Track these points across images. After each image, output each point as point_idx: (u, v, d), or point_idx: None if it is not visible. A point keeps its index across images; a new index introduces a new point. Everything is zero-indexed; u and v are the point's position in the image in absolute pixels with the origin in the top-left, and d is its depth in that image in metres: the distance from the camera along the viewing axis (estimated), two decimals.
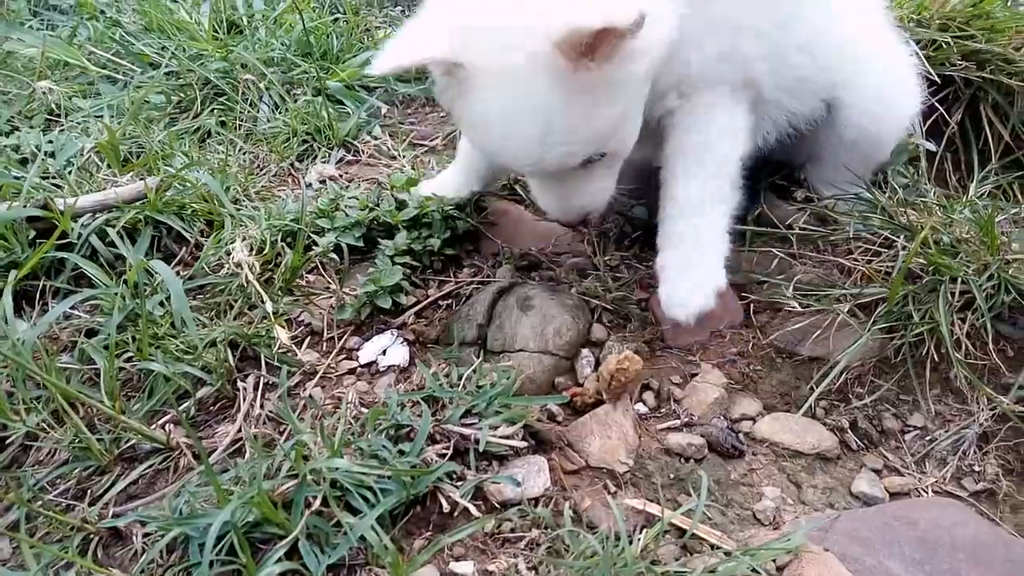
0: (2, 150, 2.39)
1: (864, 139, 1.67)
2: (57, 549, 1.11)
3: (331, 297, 1.63)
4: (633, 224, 1.84)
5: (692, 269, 1.51)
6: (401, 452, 1.17)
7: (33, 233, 1.69)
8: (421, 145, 2.38)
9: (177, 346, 1.43)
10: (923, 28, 1.83)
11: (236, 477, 1.16)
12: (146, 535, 1.15)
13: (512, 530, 1.12)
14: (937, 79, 1.83)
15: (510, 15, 1.28)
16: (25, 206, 1.70)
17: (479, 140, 1.44)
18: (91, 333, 1.53)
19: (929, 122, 1.85)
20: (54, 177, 2.07)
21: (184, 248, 1.75)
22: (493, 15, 1.31)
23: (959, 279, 1.39)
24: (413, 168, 2.19)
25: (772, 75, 1.49)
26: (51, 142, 2.33)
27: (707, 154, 1.49)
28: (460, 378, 1.34)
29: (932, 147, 1.66)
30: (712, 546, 1.12)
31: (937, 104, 1.81)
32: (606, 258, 1.77)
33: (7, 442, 1.32)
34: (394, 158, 2.29)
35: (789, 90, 1.56)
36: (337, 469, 1.09)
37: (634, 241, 1.85)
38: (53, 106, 2.69)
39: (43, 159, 2.15)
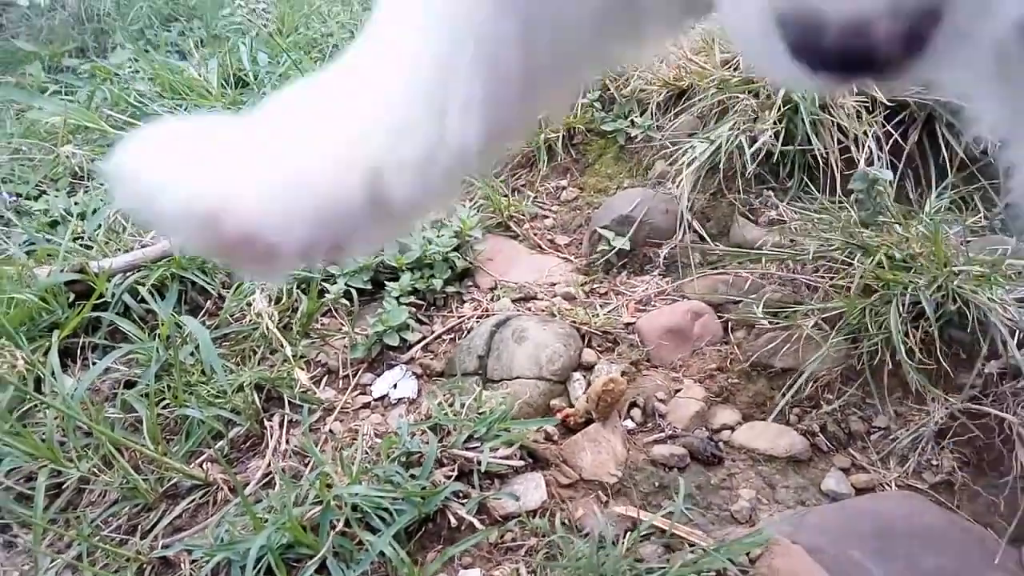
0: (34, 214, 2.58)
1: None
2: None
3: (344, 338, 1.79)
4: (619, 253, 1.99)
5: None
6: (412, 476, 1.32)
7: (72, 295, 1.86)
8: None
9: (208, 391, 1.59)
10: None
11: (269, 506, 1.31)
12: (193, 562, 1.30)
13: (513, 539, 1.27)
14: (893, 105, 1.98)
15: None
16: (63, 271, 1.88)
17: None
18: (130, 384, 1.70)
19: (890, 143, 2.00)
20: (86, 239, 2.25)
21: (208, 300, 1.91)
22: None
23: (910, 291, 1.53)
24: None
25: None
26: (77, 204, 2.52)
27: None
28: (463, 406, 1.49)
29: (888, 176, 1.79)
30: (691, 544, 1.26)
31: (894, 127, 1.95)
32: (595, 286, 1.92)
33: (63, 486, 1.48)
34: None
35: None
36: (356, 494, 1.24)
37: (621, 269, 2.00)
38: (77, 169, 2.88)
39: (74, 222, 2.33)
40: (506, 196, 2.28)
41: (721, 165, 2.01)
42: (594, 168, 2.37)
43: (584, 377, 1.65)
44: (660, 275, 1.96)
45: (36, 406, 1.61)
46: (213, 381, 1.60)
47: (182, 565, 1.30)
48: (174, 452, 1.49)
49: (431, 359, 1.77)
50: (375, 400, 1.66)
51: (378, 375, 1.72)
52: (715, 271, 1.88)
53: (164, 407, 1.59)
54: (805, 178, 2.01)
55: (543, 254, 2.11)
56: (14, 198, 2.73)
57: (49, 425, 1.49)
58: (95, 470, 1.47)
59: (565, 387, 1.64)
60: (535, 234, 2.20)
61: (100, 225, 2.32)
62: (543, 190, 2.39)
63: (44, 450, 1.44)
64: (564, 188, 2.41)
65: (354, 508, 1.25)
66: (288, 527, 1.20)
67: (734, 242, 1.92)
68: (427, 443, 1.37)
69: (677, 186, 1.98)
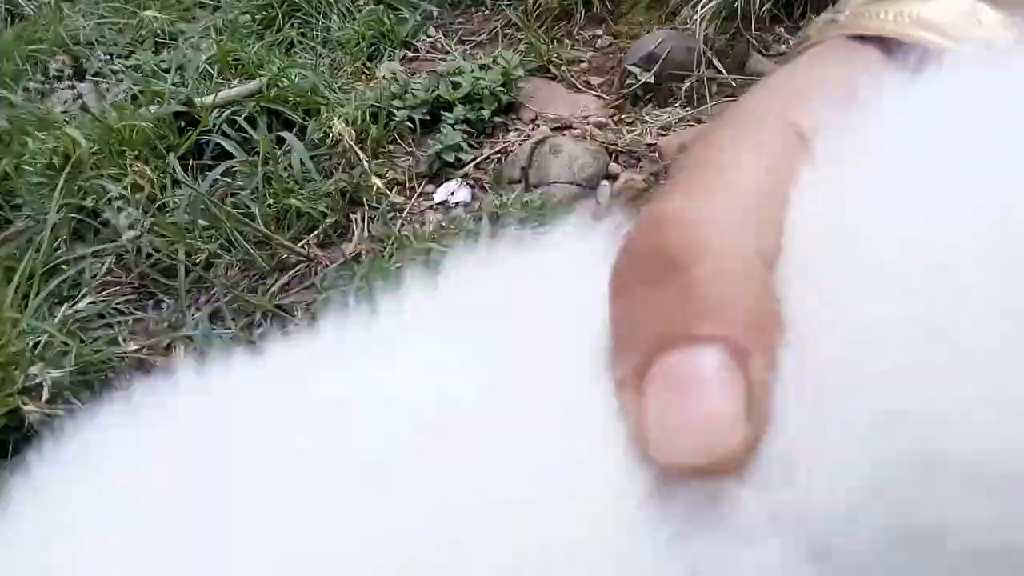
0: (127, 71, 2.93)
1: None
2: (245, 322, 1.67)
3: (409, 158, 2.13)
4: (645, 86, 2.27)
5: None
6: None
7: (182, 123, 2.22)
8: (470, 40, 2.82)
9: (302, 196, 1.95)
10: None
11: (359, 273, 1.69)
12: (303, 309, 1.69)
13: None
14: None
15: None
16: (171, 103, 2.23)
17: None
18: (235, 194, 2.07)
19: None
20: (181, 84, 2.59)
21: (293, 127, 2.26)
22: None
23: None
24: (463, 59, 2.64)
25: None
26: (164, 60, 2.86)
27: None
28: (510, 202, 1.83)
29: None
30: None
31: None
32: (623, 116, 2.21)
33: (196, 262, 1.88)
34: (447, 53, 2.75)
35: None
36: (430, 250, 1.61)
37: (646, 102, 2.28)
38: (159, 31, 3.20)
39: (172, 71, 2.67)
40: (546, 44, 2.54)
41: (739, 8, 2.25)
42: (627, 17, 2.61)
43: (609, 184, 1.97)
44: (681, 106, 2.24)
45: (164, 205, 1.99)
46: (308, 185, 1.96)
47: (296, 312, 1.69)
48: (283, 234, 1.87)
49: (482, 174, 2.10)
50: (437, 204, 2.01)
51: (438, 185, 2.06)
52: (730, 99, 2.15)
53: (268, 206, 1.96)
54: (815, 16, 2.23)
55: (579, 93, 2.40)
56: (107, 57, 3.08)
57: (180, 214, 1.87)
58: (219, 250, 1.86)
59: (594, 192, 1.96)
60: (572, 76, 2.48)
61: (185, 74, 2.66)
62: (580, 38, 2.65)
63: (178, 232, 1.83)
64: (599, 36, 2.66)
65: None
66: (376, 276, 1.57)
67: (748, 74, 2.18)
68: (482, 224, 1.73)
69: (697, 23, 2.23)
